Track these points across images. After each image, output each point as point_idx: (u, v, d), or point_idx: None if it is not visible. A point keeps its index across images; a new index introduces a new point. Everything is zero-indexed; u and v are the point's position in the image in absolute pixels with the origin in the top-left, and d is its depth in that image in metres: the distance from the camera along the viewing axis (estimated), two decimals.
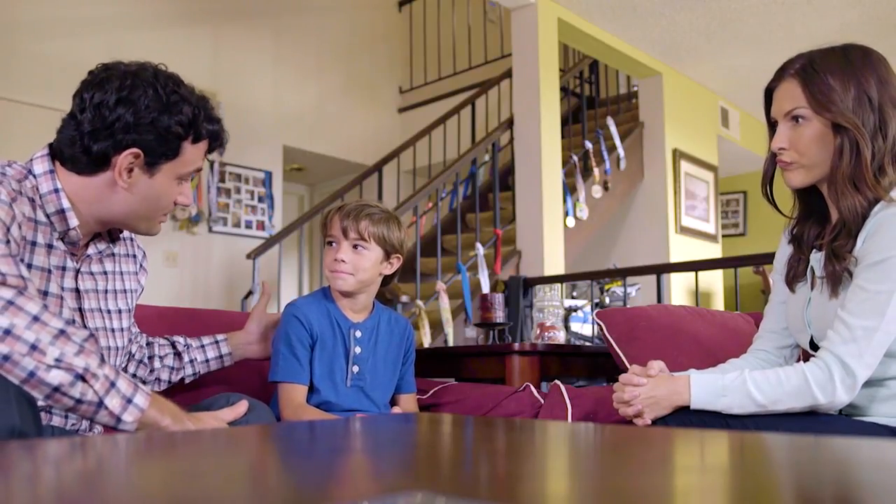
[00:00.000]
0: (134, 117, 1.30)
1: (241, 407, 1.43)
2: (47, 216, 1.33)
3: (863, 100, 1.34)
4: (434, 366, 2.55)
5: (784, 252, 1.57)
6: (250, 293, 4.90)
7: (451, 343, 4.19)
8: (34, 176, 1.33)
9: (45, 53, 4.86)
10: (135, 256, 1.58)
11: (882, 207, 1.33)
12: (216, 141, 1.43)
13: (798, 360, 1.59)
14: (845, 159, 1.35)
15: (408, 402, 1.92)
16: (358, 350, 1.80)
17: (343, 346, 1.79)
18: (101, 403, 1.14)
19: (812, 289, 1.46)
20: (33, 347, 1.10)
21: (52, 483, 0.63)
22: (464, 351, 2.64)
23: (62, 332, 1.13)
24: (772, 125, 1.47)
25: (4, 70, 4.77)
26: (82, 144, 1.31)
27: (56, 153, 1.35)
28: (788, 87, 1.41)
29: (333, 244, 1.78)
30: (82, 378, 1.12)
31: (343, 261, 1.75)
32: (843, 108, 1.34)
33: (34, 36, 4.91)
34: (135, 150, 1.31)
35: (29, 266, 1.29)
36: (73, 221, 1.34)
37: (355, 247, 1.76)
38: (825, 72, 1.37)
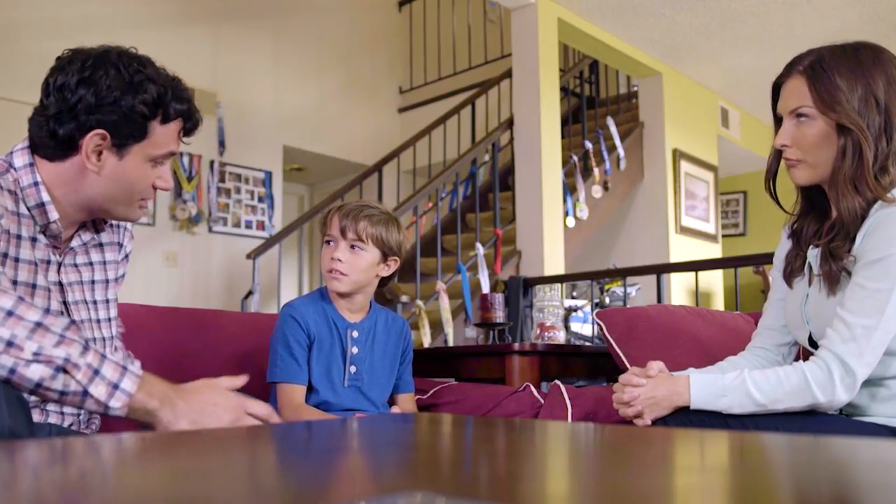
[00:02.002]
0: (95, 98, 1.27)
1: (241, 378, 1.34)
2: (28, 209, 1.32)
3: (869, 100, 1.34)
4: (434, 366, 2.55)
5: (784, 248, 1.57)
6: (250, 293, 4.90)
7: (451, 343, 4.19)
8: (14, 169, 1.32)
9: (45, 53, 4.82)
10: (120, 244, 1.55)
11: (881, 206, 1.33)
12: (189, 121, 1.39)
13: (797, 358, 1.59)
14: (847, 160, 1.34)
15: (406, 402, 1.92)
16: (355, 350, 1.80)
17: (340, 346, 1.79)
18: (86, 392, 1.11)
19: (810, 285, 1.46)
20: (10, 344, 1.06)
21: (49, 484, 0.63)
22: (464, 351, 2.64)
23: (39, 324, 1.10)
24: (778, 120, 1.47)
25: (4, 70, 4.77)
26: (48, 129, 1.29)
27: (31, 143, 1.34)
28: (795, 84, 1.40)
29: (331, 243, 1.78)
30: (63, 370, 1.09)
31: (339, 260, 1.75)
32: (849, 109, 1.33)
33: (34, 36, 4.90)
34: (100, 131, 1.29)
35: (16, 260, 1.28)
36: (54, 215, 1.32)
37: (353, 247, 1.76)
38: (833, 71, 1.36)
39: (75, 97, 1.27)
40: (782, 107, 1.43)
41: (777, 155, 1.47)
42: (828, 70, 1.36)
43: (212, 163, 5.71)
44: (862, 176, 1.33)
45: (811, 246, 1.47)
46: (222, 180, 5.81)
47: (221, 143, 5.74)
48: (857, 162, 1.34)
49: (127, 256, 1.58)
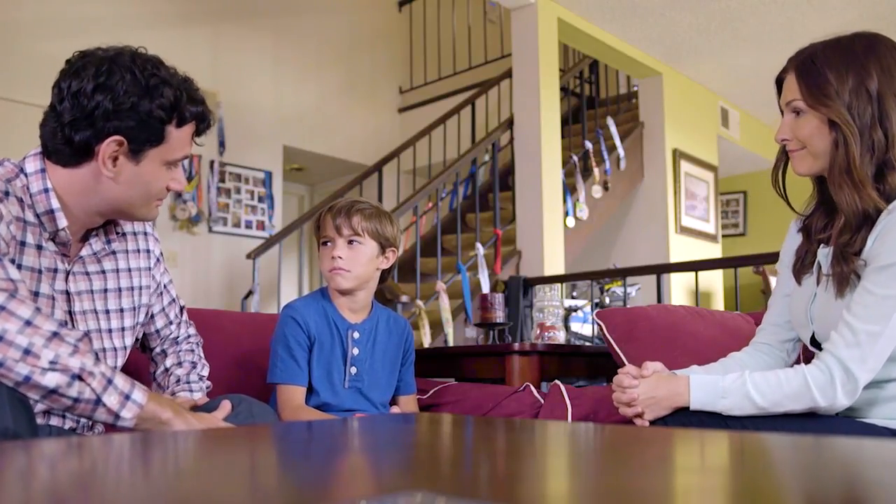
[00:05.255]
0: (113, 104, 1.25)
1: (227, 406, 1.42)
2: (37, 216, 1.30)
3: (860, 91, 1.33)
4: (434, 366, 2.55)
5: (793, 242, 1.55)
6: (250, 293, 4.90)
7: (451, 343, 4.19)
8: (25, 175, 1.30)
9: (45, 53, 4.86)
10: (148, 251, 1.54)
11: (892, 210, 1.31)
12: (202, 122, 1.39)
13: (798, 357, 1.59)
14: (840, 153, 1.35)
15: (408, 404, 1.92)
16: (356, 351, 1.80)
17: (341, 347, 1.79)
18: (98, 401, 1.13)
19: (818, 284, 1.45)
20: (27, 352, 1.08)
21: (50, 483, 0.63)
22: (464, 351, 2.64)
23: (55, 333, 1.11)
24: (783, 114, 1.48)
25: (4, 70, 4.77)
26: (63, 135, 1.27)
27: (43, 149, 1.32)
28: (790, 79, 1.42)
29: (328, 244, 1.78)
30: (79, 377, 1.11)
31: (340, 257, 1.75)
32: (839, 104, 1.34)
33: (34, 36, 4.91)
34: (117, 137, 1.27)
35: (19, 266, 1.26)
36: (62, 222, 1.31)
37: (350, 242, 1.77)
38: (824, 65, 1.37)
39: (92, 103, 1.25)
40: (782, 101, 1.46)
41: (784, 150, 1.48)
42: (819, 64, 1.37)
43: (212, 163, 5.71)
44: (853, 169, 1.33)
45: (821, 244, 1.46)
46: (222, 180, 5.81)
47: (221, 143, 5.74)
48: (850, 155, 1.34)
49: (159, 259, 1.58)
